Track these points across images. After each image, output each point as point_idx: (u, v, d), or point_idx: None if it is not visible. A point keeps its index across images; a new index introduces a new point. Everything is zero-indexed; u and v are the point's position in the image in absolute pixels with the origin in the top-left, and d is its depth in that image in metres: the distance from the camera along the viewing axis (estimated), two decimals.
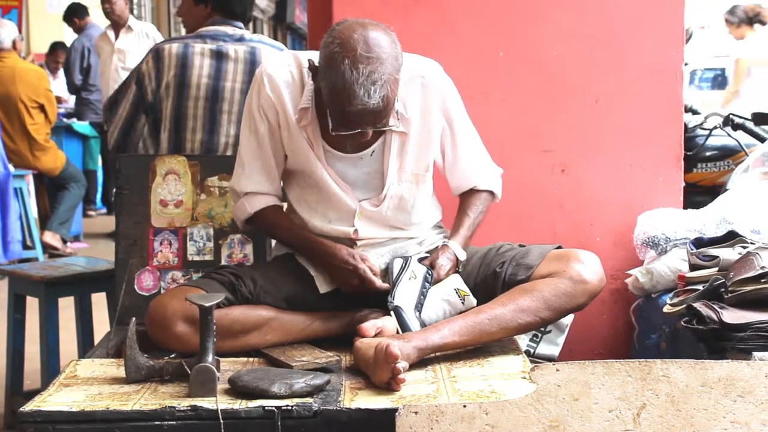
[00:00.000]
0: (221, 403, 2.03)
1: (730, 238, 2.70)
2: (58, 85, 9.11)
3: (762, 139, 3.80)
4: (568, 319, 2.84)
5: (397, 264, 2.50)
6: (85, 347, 3.45)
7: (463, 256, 2.55)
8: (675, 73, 3.17)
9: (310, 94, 2.43)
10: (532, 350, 2.92)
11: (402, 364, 2.11)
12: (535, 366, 1.96)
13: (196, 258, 2.82)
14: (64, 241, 6.98)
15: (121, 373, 2.22)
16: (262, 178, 2.56)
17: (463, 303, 2.46)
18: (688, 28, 3.36)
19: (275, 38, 16.06)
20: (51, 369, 3.30)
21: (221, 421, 1.98)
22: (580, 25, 3.17)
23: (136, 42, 7.23)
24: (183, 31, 3.92)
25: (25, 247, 6.47)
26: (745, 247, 2.59)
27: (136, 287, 2.78)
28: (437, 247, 2.57)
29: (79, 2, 8.57)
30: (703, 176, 3.93)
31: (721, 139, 3.96)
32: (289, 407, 2.01)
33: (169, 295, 2.43)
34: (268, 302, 2.46)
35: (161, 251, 2.81)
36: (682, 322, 2.43)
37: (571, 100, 3.17)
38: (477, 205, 2.65)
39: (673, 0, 3.17)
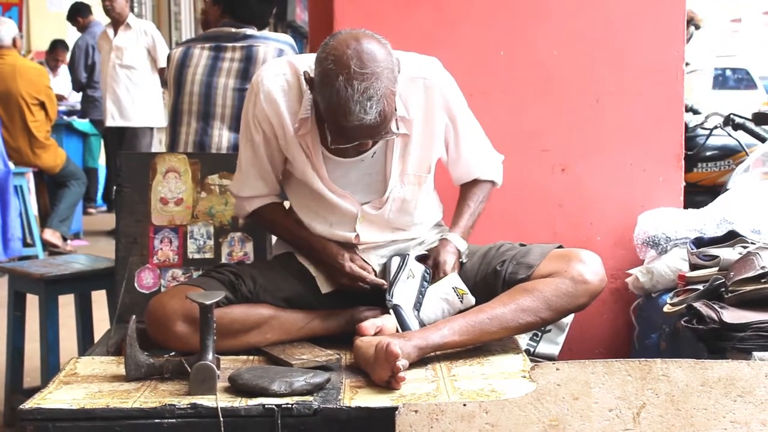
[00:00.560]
0: (221, 401, 2.03)
1: (731, 237, 2.70)
2: (59, 82, 9.11)
3: (762, 139, 3.80)
4: (568, 319, 2.84)
5: (395, 262, 2.50)
6: (85, 345, 3.45)
7: (464, 246, 2.55)
8: (675, 72, 3.16)
9: (309, 103, 2.40)
10: (532, 349, 2.92)
11: (402, 363, 2.11)
12: (535, 365, 1.96)
13: (197, 256, 2.82)
14: (65, 239, 6.97)
15: (121, 370, 2.22)
16: (258, 184, 2.57)
17: (461, 302, 2.46)
18: (693, 20, 3.35)
19: None
20: (51, 366, 3.29)
21: (221, 419, 1.98)
22: (581, 24, 3.16)
23: (135, 39, 7.25)
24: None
25: (25, 244, 6.47)
26: (745, 247, 2.59)
27: (136, 285, 2.78)
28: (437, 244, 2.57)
29: (82, 1, 8.57)
30: (703, 176, 3.94)
31: (721, 138, 3.96)
32: (289, 405, 2.02)
33: (169, 294, 2.43)
34: (267, 301, 2.47)
35: (161, 249, 2.81)
36: (682, 322, 2.43)
37: (571, 99, 3.17)
38: (478, 195, 2.66)
39: None
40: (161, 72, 7.10)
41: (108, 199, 8.88)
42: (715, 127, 3.92)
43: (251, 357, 2.40)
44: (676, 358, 1.97)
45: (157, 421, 2.00)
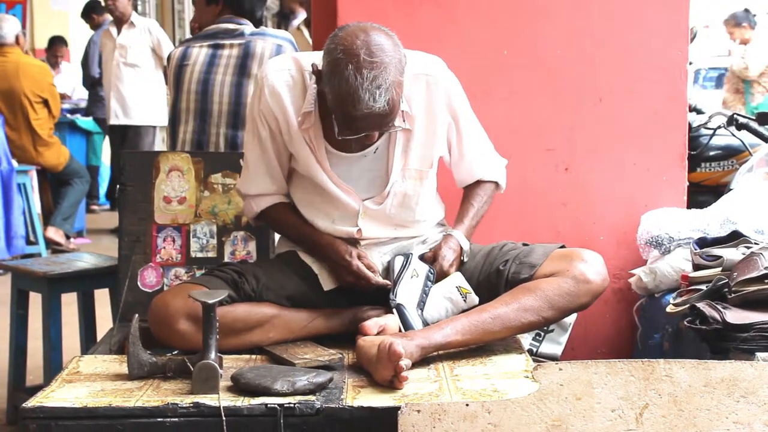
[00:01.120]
0: (224, 400, 2.03)
1: (734, 238, 2.69)
2: (60, 80, 9.11)
3: (766, 139, 3.79)
4: (571, 319, 2.84)
5: (398, 261, 2.50)
6: (88, 343, 3.45)
7: (466, 245, 2.56)
8: (679, 72, 3.16)
9: (313, 98, 2.42)
10: (534, 349, 2.92)
11: (405, 362, 2.11)
12: (538, 365, 1.96)
13: (199, 255, 2.83)
14: (68, 237, 6.98)
15: (124, 369, 2.22)
16: (266, 181, 2.57)
17: (465, 301, 2.46)
18: (692, 27, 3.35)
19: None
20: (54, 365, 3.30)
21: (224, 418, 1.99)
22: (584, 23, 3.16)
23: (138, 38, 7.25)
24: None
25: (28, 242, 6.48)
26: (748, 247, 2.59)
27: (139, 284, 2.78)
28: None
29: None
30: (706, 176, 3.93)
31: (725, 138, 3.94)
32: (292, 405, 2.02)
33: (172, 292, 2.43)
34: (270, 300, 2.47)
35: (164, 248, 2.81)
36: (686, 322, 2.43)
37: (574, 98, 3.17)
38: (481, 195, 2.66)
39: None
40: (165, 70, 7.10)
41: (111, 197, 8.88)
42: (719, 127, 3.90)
43: (254, 356, 2.40)
44: (679, 359, 1.96)
45: (159, 420, 2.00)
